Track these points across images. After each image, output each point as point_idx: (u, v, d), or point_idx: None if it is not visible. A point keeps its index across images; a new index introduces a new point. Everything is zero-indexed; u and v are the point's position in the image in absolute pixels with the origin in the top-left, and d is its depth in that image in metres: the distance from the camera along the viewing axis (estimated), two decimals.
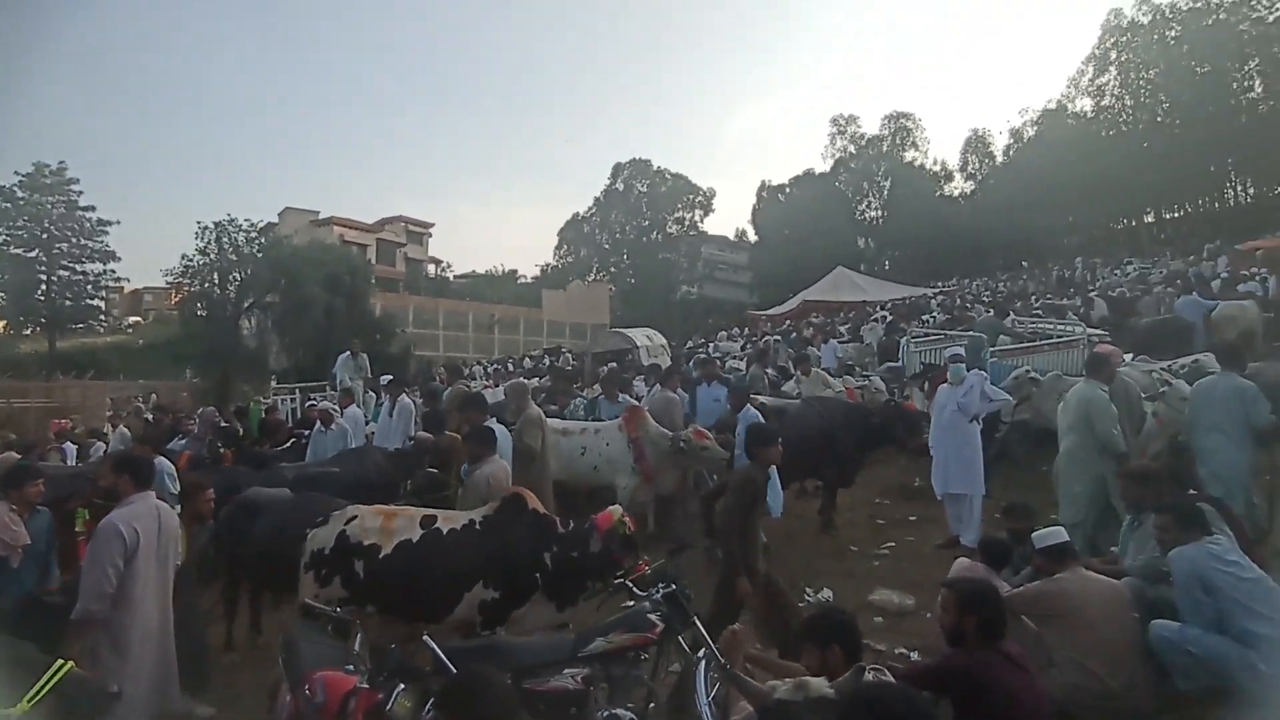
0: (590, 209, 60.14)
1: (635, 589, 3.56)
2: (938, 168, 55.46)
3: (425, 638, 3.20)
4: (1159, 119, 42.04)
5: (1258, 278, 16.30)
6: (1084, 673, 3.40)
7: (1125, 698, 3.33)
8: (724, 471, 6.66)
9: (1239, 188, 42.48)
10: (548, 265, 62.51)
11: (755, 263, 58.27)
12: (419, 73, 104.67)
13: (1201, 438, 5.47)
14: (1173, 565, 3.43)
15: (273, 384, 23.36)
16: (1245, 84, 40.28)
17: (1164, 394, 6.21)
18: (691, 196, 58.23)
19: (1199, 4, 40.83)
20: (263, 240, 30.68)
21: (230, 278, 29.95)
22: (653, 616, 3.28)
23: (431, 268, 55.88)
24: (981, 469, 6.56)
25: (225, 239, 29.56)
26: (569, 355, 26.17)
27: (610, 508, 4.31)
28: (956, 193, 54.59)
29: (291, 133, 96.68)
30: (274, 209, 46.35)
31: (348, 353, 13.44)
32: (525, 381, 7.15)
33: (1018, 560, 4.38)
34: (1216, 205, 42.81)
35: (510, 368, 26.13)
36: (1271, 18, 39.06)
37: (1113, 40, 44.17)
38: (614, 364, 15.42)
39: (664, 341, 21.82)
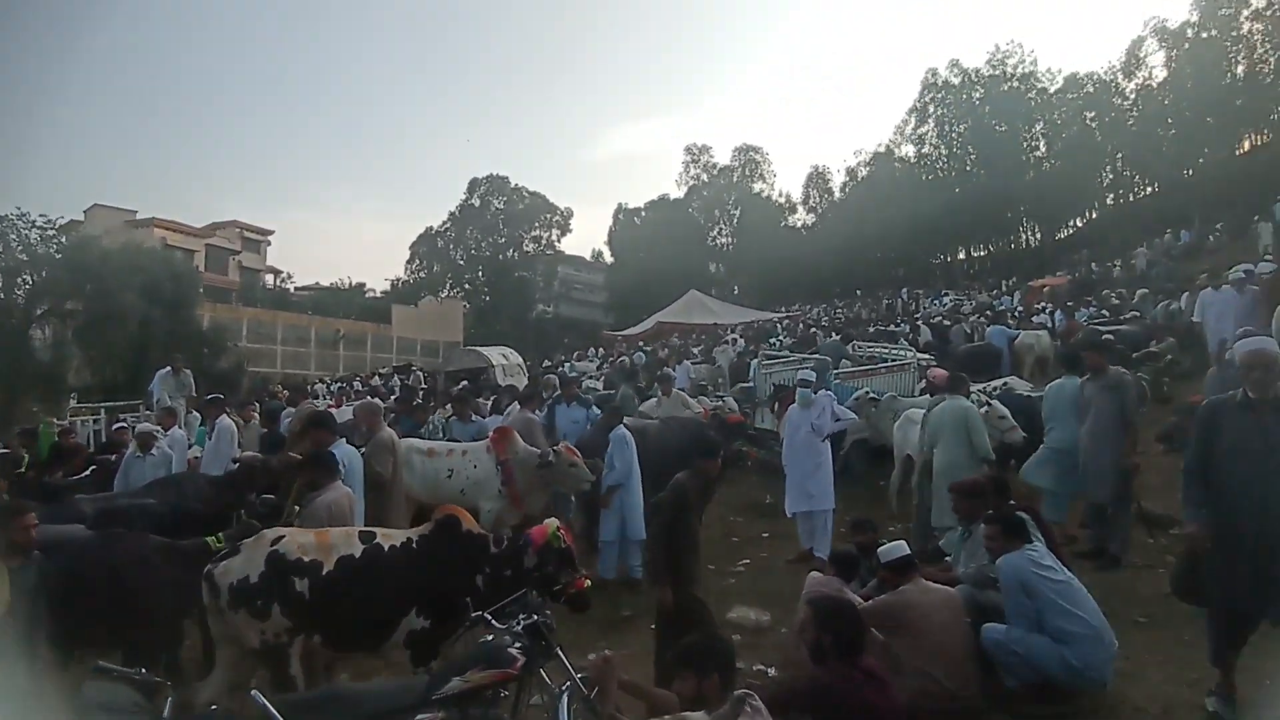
0: (445, 223, 58.45)
1: (494, 621, 3.35)
2: (783, 200, 58.88)
3: (254, 693, 2.84)
4: (968, 168, 47.19)
5: (1045, 311, 18.63)
6: (927, 678, 3.63)
7: (963, 698, 3.61)
8: (592, 493, 6.58)
9: (1029, 233, 48.54)
10: (398, 280, 59.88)
11: (611, 283, 59.13)
12: (263, 69, 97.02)
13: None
14: (1000, 572, 3.79)
15: (71, 403, 20.55)
16: (1033, 144, 46.31)
17: (984, 413, 6.86)
18: (549, 215, 58.14)
19: (997, 72, 46.56)
20: (63, 240, 27.04)
21: (19, 281, 26.10)
22: (513, 650, 3.03)
23: (270, 278, 51.84)
24: (832, 486, 6.95)
25: (14, 236, 25.74)
26: (420, 373, 25.15)
27: (546, 520, 4.16)
28: (799, 224, 58.14)
29: (106, 121, 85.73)
30: (79, 206, 40.99)
31: (168, 368, 12.03)
32: (377, 402, 6.68)
33: (865, 572, 4.66)
34: (1012, 246, 48.55)
35: (357, 386, 24.73)
36: (1052, 89, 45.43)
37: (930, 96, 49.16)
38: (465, 382, 14.98)
39: (520, 361, 21.53)
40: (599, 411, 8.46)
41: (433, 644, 3.87)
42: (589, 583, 4.00)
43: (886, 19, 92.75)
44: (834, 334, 16.41)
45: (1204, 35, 38.23)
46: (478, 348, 22.84)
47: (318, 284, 59.50)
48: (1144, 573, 5.76)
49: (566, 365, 24.59)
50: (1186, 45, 38.93)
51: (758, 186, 58.31)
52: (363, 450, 5.59)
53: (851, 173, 55.05)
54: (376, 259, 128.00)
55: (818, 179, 57.72)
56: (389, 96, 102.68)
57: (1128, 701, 3.84)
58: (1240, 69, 37.74)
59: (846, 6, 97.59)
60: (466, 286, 57.44)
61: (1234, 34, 37.80)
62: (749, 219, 56.21)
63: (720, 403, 10.60)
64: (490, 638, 3.19)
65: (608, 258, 61.97)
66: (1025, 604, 3.63)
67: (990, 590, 3.96)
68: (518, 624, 3.16)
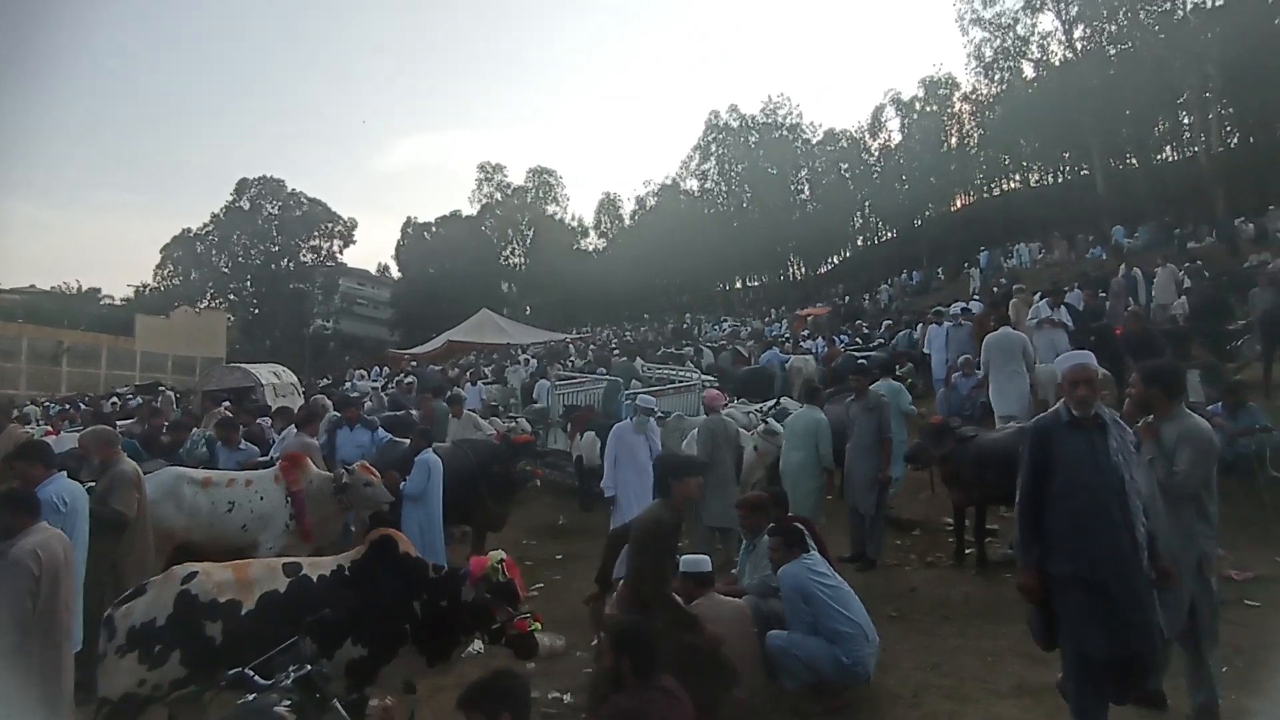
0: (206, 226, 52.18)
1: (258, 677, 2.93)
2: (576, 223, 60.09)
3: None
4: (745, 205, 51.48)
5: (811, 338, 20.71)
6: None
7: (751, 704, 3.83)
8: (382, 517, 6.04)
9: (796, 266, 53.92)
10: (145, 286, 52.38)
11: (398, 299, 56.40)
12: None
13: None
14: (780, 581, 4.08)
15: None
16: (799, 187, 51.67)
17: (763, 430, 7.42)
18: (331, 224, 54.20)
19: (770, 120, 51.50)
20: None
21: None
22: (281, 709, 2.61)
23: None
24: None
25: None
26: (172, 393, 22.06)
27: (490, 552, 3.84)
28: (591, 248, 59.62)
29: None
30: None
31: None
32: (109, 429, 5.63)
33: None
34: (781, 278, 53.61)
35: (82, 406, 21.16)
36: (814, 140, 51.16)
37: (712, 136, 53.07)
38: (227, 402, 13.39)
39: (294, 380, 19.67)
40: (385, 434, 7.96)
41: (372, 671, 3.63)
42: (537, 625, 3.71)
43: (676, 59, 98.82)
44: (625, 356, 16.89)
45: (928, 109, 45.32)
46: (244, 365, 20.48)
47: (33, 286, 50.36)
48: (893, 571, 6.56)
49: (347, 384, 22.96)
50: (915, 116, 45.81)
51: (551, 209, 59.04)
52: (91, 486, 4.71)
53: (641, 201, 57.78)
54: (116, 261, 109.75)
55: (609, 205, 59.75)
56: (141, 67, 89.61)
57: (885, 690, 4.28)
58: (953, 140, 45.18)
59: (638, 42, 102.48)
60: (232, 297, 51.76)
61: (949, 111, 45.25)
62: (542, 240, 56.61)
63: (514, 424, 10.45)
64: (252, 697, 2.77)
65: (395, 272, 59.22)
66: (803, 610, 3.93)
67: (773, 599, 4.25)
68: (286, 677, 2.78)
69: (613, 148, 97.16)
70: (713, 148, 53.02)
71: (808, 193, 51.38)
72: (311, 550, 5.82)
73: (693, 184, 54.77)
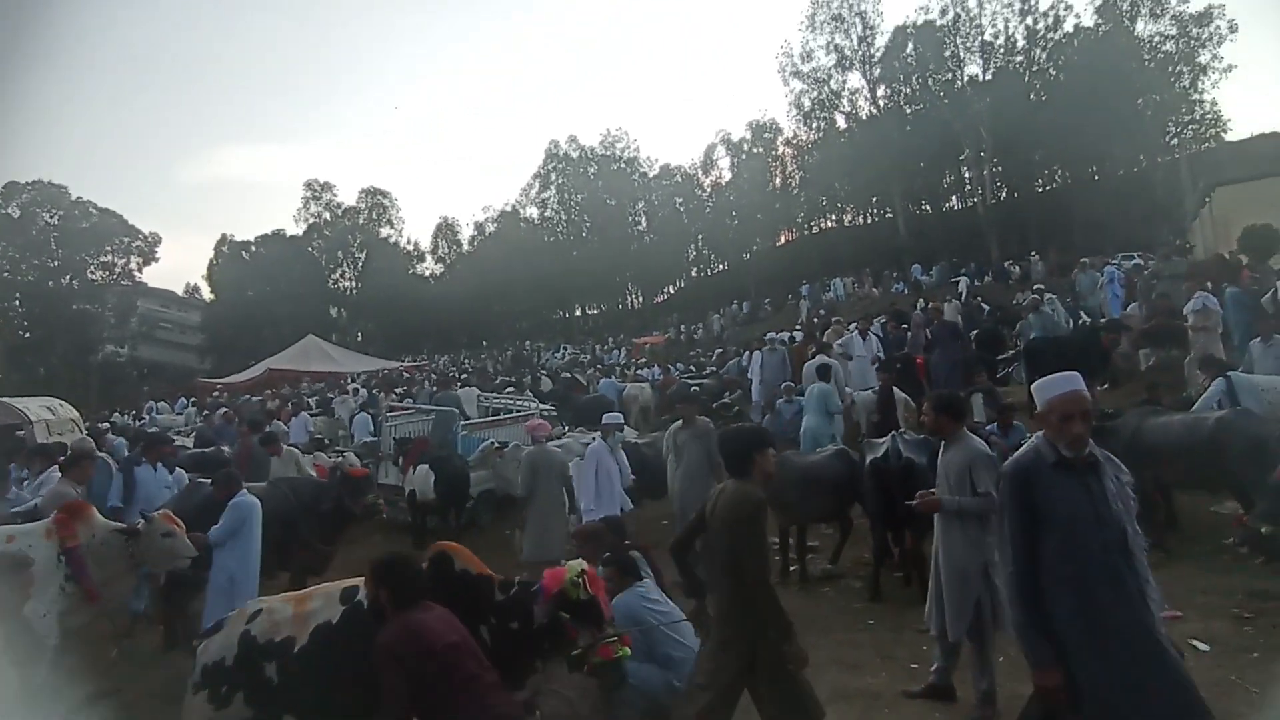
0: None
1: None
2: (411, 247, 58.12)
3: None
4: (584, 234, 52.28)
5: (648, 365, 21.34)
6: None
7: None
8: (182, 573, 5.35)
9: (634, 296, 55.39)
10: None
11: (210, 324, 51.36)
12: None
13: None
14: (615, 610, 4.14)
15: None
16: (636, 219, 53.32)
17: None
18: (127, 239, 48.44)
19: (609, 153, 52.89)
20: None
21: None
22: None
23: None
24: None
25: None
26: None
27: (566, 563, 3.45)
28: (428, 273, 57.89)
29: None
30: None
31: None
32: None
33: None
34: (619, 307, 54.84)
35: None
36: (651, 174, 53.13)
37: (553, 164, 53.58)
38: None
39: (75, 415, 17.22)
40: (184, 475, 7.17)
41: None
42: (625, 650, 3.29)
43: (515, 86, 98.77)
44: (462, 385, 16.48)
45: (755, 150, 48.61)
46: (7, 399, 17.67)
47: None
48: None
49: (147, 418, 20.58)
50: (744, 156, 48.95)
51: (385, 231, 56.79)
52: None
53: (480, 227, 56.98)
54: None
55: (446, 230, 58.44)
56: None
57: None
58: (777, 180, 48.75)
59: (477, 68, 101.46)
60: None
61: (774, 153, 48.84)
62: (375, 264, 54.22)
63: (340, 458, 9.83)
64: None
65: (207, 294, 54.05)
66: (638, 637, 4.02)
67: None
68: None
69: (452, 172, 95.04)
70: (553, 176, 53.52)
71: (645, 224, 53.14)
72: (96, 613, 5.11)
73: (533, 211, 54.96)
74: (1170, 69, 36.04)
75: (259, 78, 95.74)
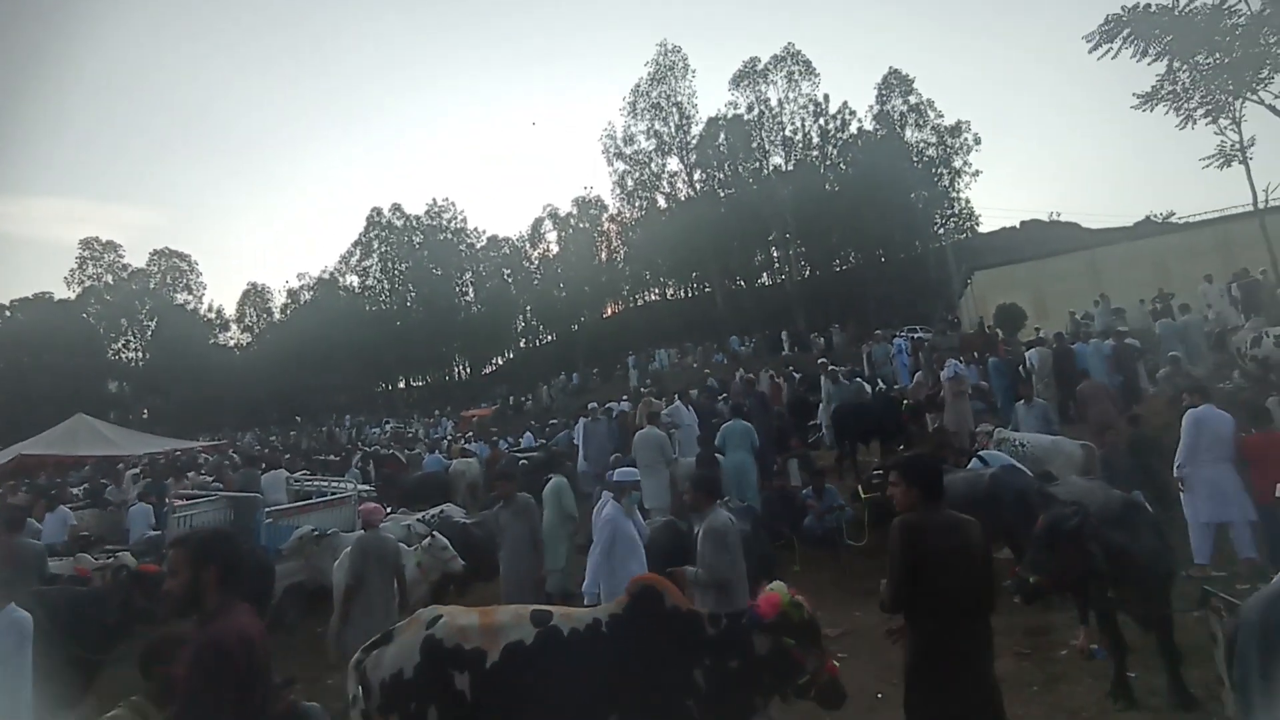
0: None
1: None
2: (213, 314, 53.27)
3: None
4: (409, 304, 50.65)
5: (476, 439, 20.67)
6: None
7: None
8: None
9: (461, 366, 54.09)
10: None
11: None
12: None
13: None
14: None
15: None
16: (464, 289, 52.64)
17: (428, 544, 7.04)
18: None
19: (435, 222, 52.11)
20: None
21: None
22: None
23: None
24: None
25: None
26: None
27: (772, 585, 3.10)
28: (233, 342, 53.19)
29: None
30: None
31: None
32: None
33: None
34: (447, 379, 53.26)
35: None
36: (479, 245, 52.81)
37: (375, 232, 51.87)
38: None
39: None
40: None
41: None
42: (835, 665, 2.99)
43: (333, 151, 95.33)
44: (268, 466, 15.02)
45: (581, 225, 50.11)
46: None
47: None
48: None
49: None
50: (571, 230, 50.25)
51: (181, 297, 51.68)
52: None
53: (294, 295, 53.56)
54: None
55: (255, 296, 54.31)
56: None
57: None
58: (604, 254, 50.43)
59: (290, 128, 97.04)
60: None
61: (599, 229, 50.64)
62: (168, 332, 49.00)
63: (111, 558, 8.46)
64: None
65: None
66: None
67: None
68: None
69: (260, 236, 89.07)
70: (375, 244, 51.77)
71: (472, 294, 52.59)
72: None
73: (353, 279, 52.63)
74: (934, 170, 42.19)
75: (29, 120, 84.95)
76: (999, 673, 5.02)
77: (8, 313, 46.35)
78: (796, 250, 44.23)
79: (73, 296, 48.37)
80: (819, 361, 16.73)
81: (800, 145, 43.19)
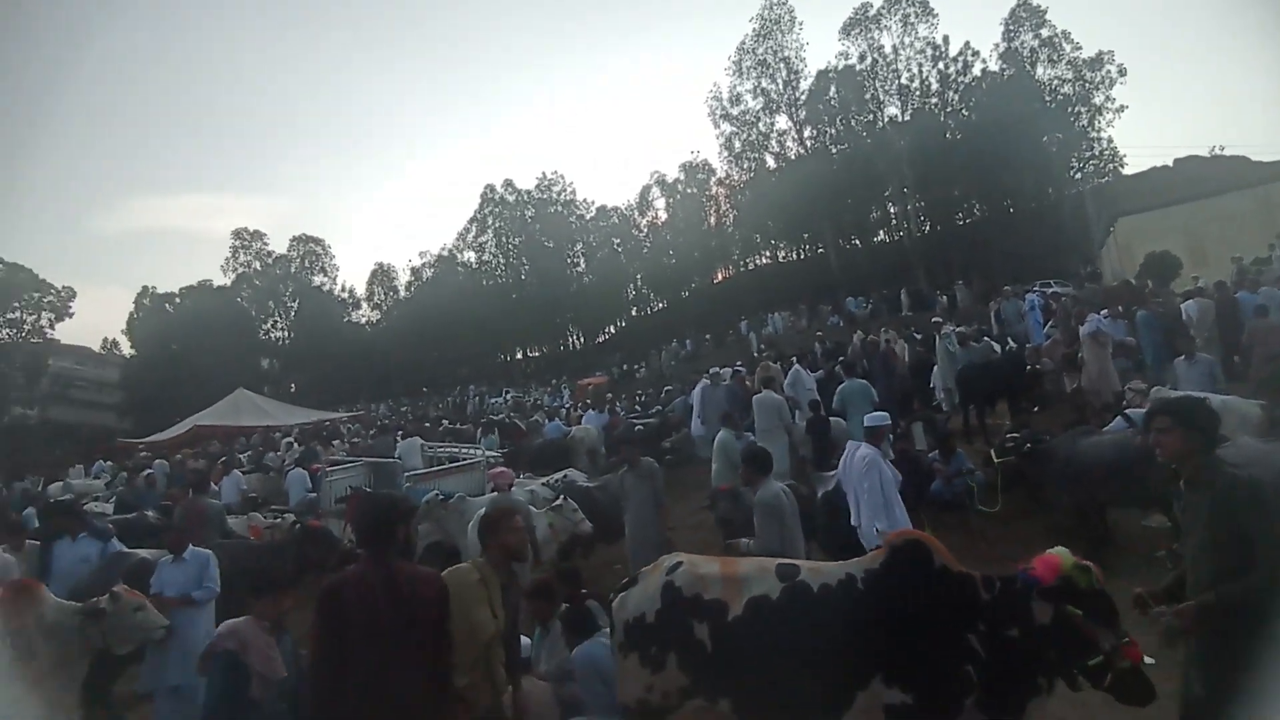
0: None
1: None
2: (346, 295, 56.92)
3: None
4: (523, 277, 52.18)
5: (593, 407, 21.20)
6: None
7: None
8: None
9: (575, 336, 55.37)
10: None
11: (130, 380, 48.84)
12: None
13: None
14: (576, 663, 4.02)
15: None
16: (575, 260, 53.59)
17: (559, 506, 7.35)
18: (37, 294, 46.05)
19: (545, 196, 53.21)
20: None
21: None
22: None
23: None
24: None
25: None
26: None
27: (1053, 549, 2.79)
28: (364, 320, 56.70)
29: None
30: None
31: None
32: None
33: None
34: (561, 348, 54.69)
35: None
36: (588, 216, 53.64)
37: (489, 209, 53.56)
38: None
39: None
40: (119, 545, 6.69)
41: None
42: (1150, 659, 2.72)
43: (447, 132, 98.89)
44: (403, 435, 16.04)
45: (689, 191, 49.69)
46: None
47: None
48: None
49: (58, 484, 19.26)
50: (678, 196, 49.96)
51: (318, 279, 55.49)
52: None
53: (416, 272, 56.25)
54: None
55: (382, 276, 57.48)
56: None
57: None
58: (712, 219, 49.86)
59: (408, 114, 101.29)
60: None
61: (706, 193, 50.03)
62: (308, 313, 52.87)
63: (279, 519, 9.39)
64: None
65: (127, 349, 51.56)
66: (601, 691, 3.89)
67: (570, 683, 4.17)
68: None
69: (385, 218, 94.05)
70: (490, 220, 53.45)
71: (583, 265, 53.39)
72: (48, 702, 4.67)
73: (470, 256, 54.62)
74: (1069, 109, 38.65)
75: (180, 126, 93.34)
76: (1154, 646, 4.76)
77: (178, 299, 51.46)
78: (915, 205, 41.96)
79: (228, 283, 53.01)
80: (933, 321, 15.94)
81: (918, 93, 40.70)
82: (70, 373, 48.74)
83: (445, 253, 55.53)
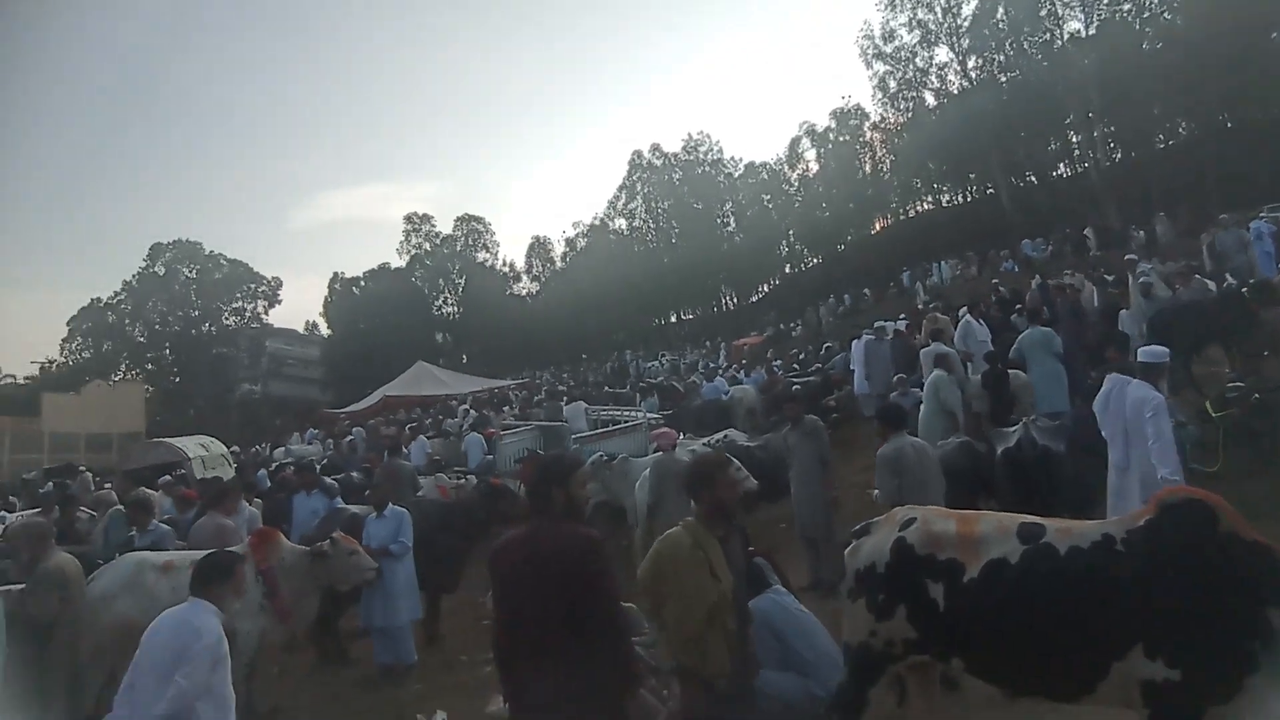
0: (117, 295, 49.83)
1: None
2: (507, 269, 59.90)
3: None
4: (673, 240, 52.38)
5: (750, 367, 21.04)
6: None
7: None
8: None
9: (728, 297, 55.00)
10: (50, 362, 49.41)
11: (329, 357, 54.84)
12: None
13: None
14: (754, 615, 4.06)
15: None
16: (724, 220, 52.97)
17: None
18: (253, 285, 52.61)
19: (691, 157, 52.86)
20: None
21: None
22: None
23: None
24: None
25: None
26: (89, 475, 20.70)
27: None
28: (524, 292, 59.51)
29: None
30: None
31: None
32: (40, 523, 5.31)
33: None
34: (715, 310, 54.55)
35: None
36: (736, 174, 52.73)
37: (637, 175, 54.09)
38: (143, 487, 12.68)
39: (224, 451, 18.77)
40: (340, 502, 7.71)
41: (1191, 707, 2.47)
42: None
43: (595, 101, 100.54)
44: (567, 400, 16.77)
45: (841, 139, 47.34)
46: (168, 439, 19.47)
47: None
48: None
49: (279, 450, 22.08)
50: (830, 145, 47.76)
51: (481, 256, 58.70)
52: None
53: (571, 243, 58.07)
54: (15, 337, 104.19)
55: (539, 249, 59.88)
56: (26, 139, 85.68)
57: None
58: (867, 167, 47.27)
59: (557, 86, 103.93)
60: (149, 367, 49.36)
61: (860, 140, 47.40)
62: (474, 288, 56.24)
63: (463, 479, 10.21)
64: None
65: (324, 330, 57.72)
66: (774, 646, 3.93)
67: None
68: None
69: (539, 192, 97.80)
70: (638, 187, 53.98)
71: (733, 224, 52.67)
72: (290, 634, 5.60)
73: (621, 223, 55.54)
74: None
75: (352, 122, 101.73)
76: None
77: (363, 283, 56.70)
78: (1103, 131, 37.18)
79: (404, 264, 57.49)
80: (1126, 260, 14.19)
81: (1105, 1, 35.90)
82: (282, 352, 55.40)
83: (597, 222, 56.91)
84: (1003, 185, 39.30)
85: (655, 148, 53.60)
